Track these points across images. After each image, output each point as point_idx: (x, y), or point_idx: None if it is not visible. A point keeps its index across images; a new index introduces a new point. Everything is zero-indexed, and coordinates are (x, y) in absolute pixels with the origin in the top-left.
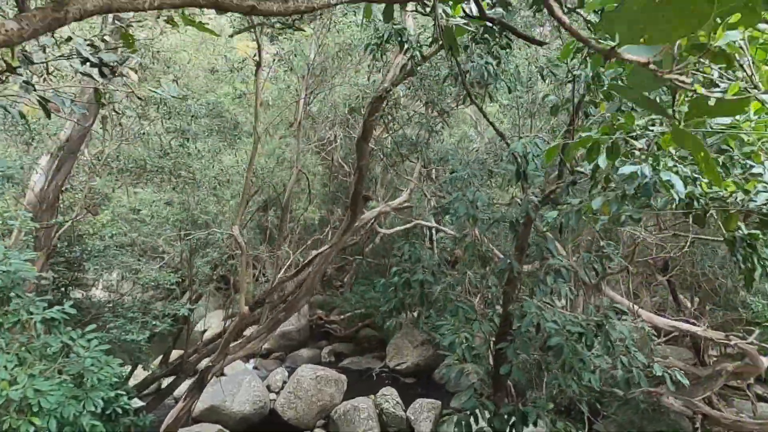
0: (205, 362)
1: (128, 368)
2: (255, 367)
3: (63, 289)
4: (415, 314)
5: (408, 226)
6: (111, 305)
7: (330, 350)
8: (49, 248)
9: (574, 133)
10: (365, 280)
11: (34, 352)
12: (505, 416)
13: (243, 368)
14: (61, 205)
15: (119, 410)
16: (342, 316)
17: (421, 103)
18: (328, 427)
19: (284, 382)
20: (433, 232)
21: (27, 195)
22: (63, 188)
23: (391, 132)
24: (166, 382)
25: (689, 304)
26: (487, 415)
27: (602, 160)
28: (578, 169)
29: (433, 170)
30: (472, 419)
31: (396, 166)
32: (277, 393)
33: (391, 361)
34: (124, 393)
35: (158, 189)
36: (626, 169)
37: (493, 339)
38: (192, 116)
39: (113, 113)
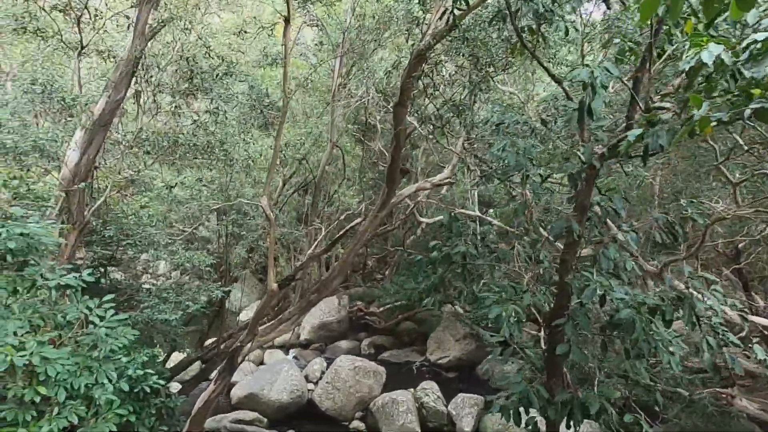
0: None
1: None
2: (294, 357)
3: (101, 269)
4: (457, 305)
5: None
6: (146, 286)
7: (369, 342)
8: (81, 223)
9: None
10: (406, 271)
11: (48, 320)
12: (561, 405)
13: (282, 358)
14: (95, 184)
15: (147, 389)
16: (381, 308)
17: (464, 60)
18: (366, 419)
19: (322, 373)
20: (477, 224)
21: (62, 170)
22: (95, 163)
23: (431, 96)
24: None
25: (761, 301)
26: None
27: (708, 53)
28: (658, 104)
29: (476, 144)
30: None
31: (435, 134)
32: (315, 383)
33: (431, 354)
34: (153, 372)
35: (194, 169)
36: None
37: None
38: (224, 88)
39: (147, 89)
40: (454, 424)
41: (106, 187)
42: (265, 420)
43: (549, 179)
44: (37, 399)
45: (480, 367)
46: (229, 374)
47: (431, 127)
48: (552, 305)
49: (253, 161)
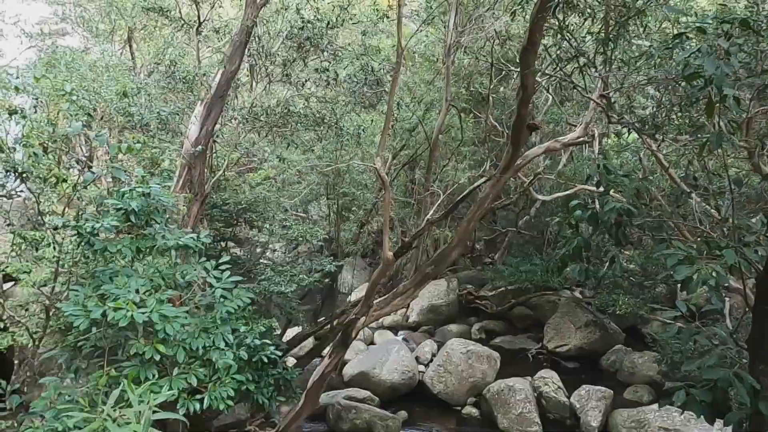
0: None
1: (270, 322)
2: (404, 339)
3: (223, 243)
4: (575, 291)
5: (570, 192)
6: (263, 261)
7: (480, 327)
8: (202, 195)
9: None
10: (520, 253)
11: (168, 280)
12: None
13: (392, 338)
14: (213, 158)
15: (265, 359)
16: (493, 292)
17: None
18: (480, 405)
19: (433, 355)
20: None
21: (184, 144)
22: (213, 135)
23: (566, 35)
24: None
25: None
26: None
27: None
28: None
29: (614, 91)
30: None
31: (568, 82)
32: (426, 365)
33: (549, 342)
34: (270, 343)
35: (305, 146)
36: None
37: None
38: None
39: (259, 59)
40: (578, 418)
41: (224, 160)
42: (377, 399)
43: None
44: (157, 357)
45: (605, 358)
46: (344, 348)
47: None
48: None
49: (363, 130)
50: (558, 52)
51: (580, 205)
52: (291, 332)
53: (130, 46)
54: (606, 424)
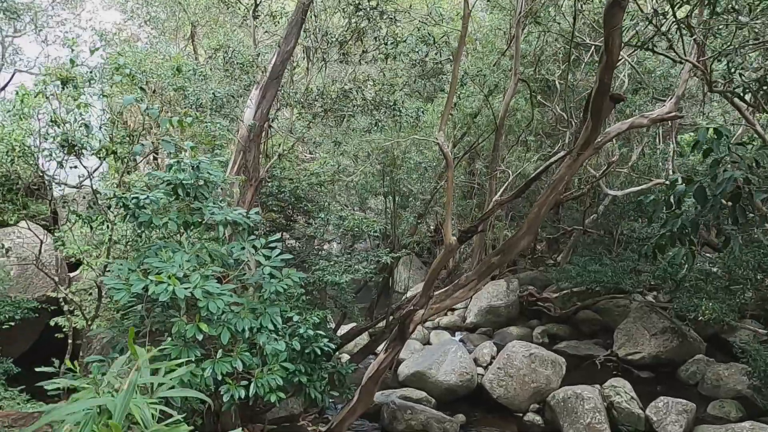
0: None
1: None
2: (461, 340)
3: (278, 233)
4: (648, 295)
5: (644, 187)
6: (317, 250)
7: (542, 331)
8: (257, 179)
9: None
10: (588, 253)
11: (215, 257)
12: None
13: (449, 338)
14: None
15: (318, 351)
16: (557, 294)
17: None
18: (544, 412)
19: (492, 357)
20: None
21: (239, 129)
22: (269, 118)
23: None
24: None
25: None
26: None
27: None
28: None
29: (714, 58)
30: None
31: (659, 44)
32: (485, 368)
33: (619, 348)
34: (323, 334)
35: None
36: None
37: None
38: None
39: (316, 43)
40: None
41: (279, 146)
42: (433, 401)
43: None
44: (200, 337)
45: (683, 368)
46: (401, 343)
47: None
48: None
49: (423, 112)
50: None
51: (684, 179)
52: (345, 328)
53: (193, 42)
54: None
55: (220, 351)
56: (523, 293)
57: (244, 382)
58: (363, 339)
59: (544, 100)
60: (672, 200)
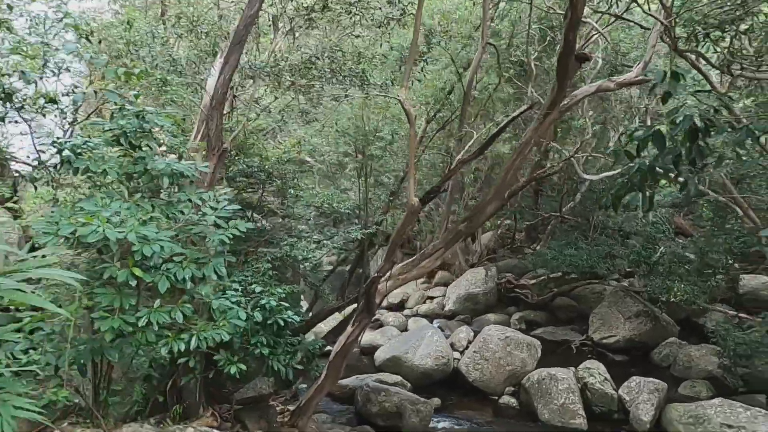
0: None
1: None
2: (440, 327)
3: (244, 211)
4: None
5: (619, 171)
6: (287, 228)
7: (520, 317)
8: (220, 149)
9: None
10: (565, 238)
11: (157, 207)
12: None
13: (426, 324)
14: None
15: (281, 322)
16: (534, 281)
17: None
18: (519, 395)
19: (469, 342)
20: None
21: (203, 97)
22: (231, 84)
23: None
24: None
25: None
26: None
27: None
28: None
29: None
30: None
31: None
32: (462, 352)
33: (594, 333)
34: (288, 306)
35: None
36: None
37: None
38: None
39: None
40: (627, 412)
41: (246, 117)
42: (409, 385)
43: None
44: (133, 282)
45: (657, 351)
46: (368, 314)
47: None
48: None
49: (392, 83)
50: None
51: (641, 126)
52: (319, 310)
53: (164, 21)
54: (659, 419)
55: (158, 301)
56: (501, 281)
57: (185, 336)
58: (336, 320)
59: (519, 83)
60: (633, 151)
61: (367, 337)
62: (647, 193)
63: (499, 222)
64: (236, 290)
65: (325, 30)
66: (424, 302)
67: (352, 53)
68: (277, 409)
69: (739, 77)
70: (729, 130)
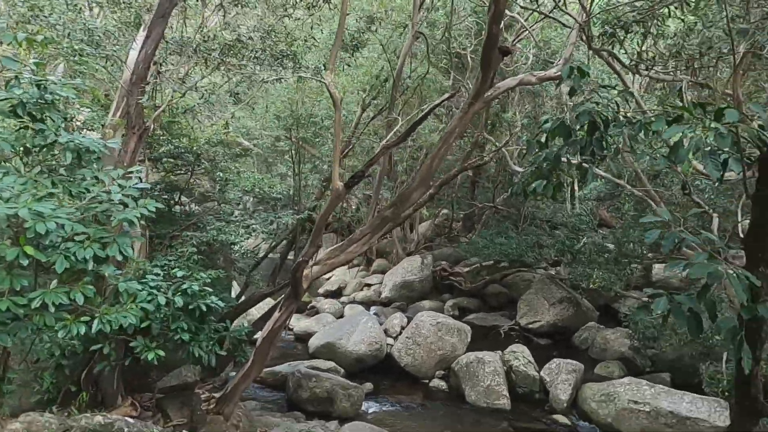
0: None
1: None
2: (375, 314)
3: (171, 193)
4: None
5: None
6: (215, 212)
7: (454, 304)
8: (141, 128)
9: None
10: (497, 228)
11: (59, 184)
12: None
13: (361, 311)
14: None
15: (204, 307)
16: (468, 268)
17: None
18: (448, 378)
19: (402, 328)
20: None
21: (124, 73)
22: (153, 59)
23: None
24: None
25: None
26: None
27: None
28: None
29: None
30: None
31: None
32: (395, 338)
33: (522, 318)
34: (211, 291)
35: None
36: None
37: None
38: None
39: None
40: (547, 392)
41: (171, 96)
42: (342, 370)
43: None
44: (25, 262)
45: (577, 335)
46: (295, 299)
47: None
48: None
49: (325, 66)
50: None
51: (550, 118)
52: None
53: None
54: (575, 397)
55: (54, 281)
56: (437, 268)
57: (86, 318)
58: (269, 305)
59: (457, 76)
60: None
61: (303, 324)
62: (553, 180)
63: (436, 212)
64: (157, 275)
65: (263, 11)
66: (362, 289)
67: (285, 34)
68: (203, 397)
69: (645, 77)
70: (626, 124)
